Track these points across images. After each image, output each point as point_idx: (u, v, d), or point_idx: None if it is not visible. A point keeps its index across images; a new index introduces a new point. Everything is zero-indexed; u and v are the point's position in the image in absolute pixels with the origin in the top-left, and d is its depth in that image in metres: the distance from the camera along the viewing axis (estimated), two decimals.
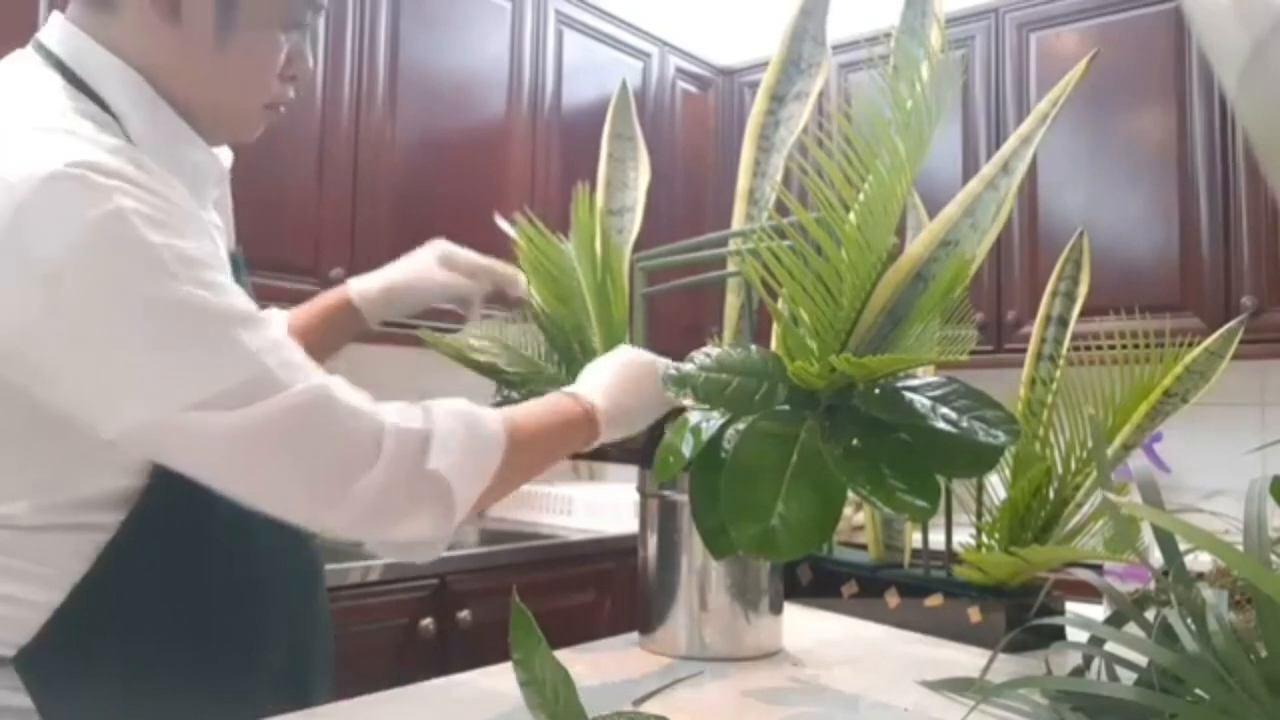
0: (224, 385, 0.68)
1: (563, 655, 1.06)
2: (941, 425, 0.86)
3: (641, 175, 1.29)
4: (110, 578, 0.77)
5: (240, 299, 0.73)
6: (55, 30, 0.80)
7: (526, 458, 0.87)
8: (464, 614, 2.01)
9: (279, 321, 0.78)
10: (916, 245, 0.94)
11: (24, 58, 0.80)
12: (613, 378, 0.95)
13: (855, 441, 0.87)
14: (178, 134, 0.81)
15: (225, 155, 0.93)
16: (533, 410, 0.90)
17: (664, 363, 0.97)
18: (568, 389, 0.94)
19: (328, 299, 1.13)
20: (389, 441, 0.75)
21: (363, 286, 1.12)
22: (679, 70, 3.18)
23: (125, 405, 0.68)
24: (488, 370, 1.21)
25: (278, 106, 0.88)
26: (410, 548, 0.80)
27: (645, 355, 0.99)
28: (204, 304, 0.69)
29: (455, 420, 0.81)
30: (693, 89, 3.23)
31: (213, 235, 0.79)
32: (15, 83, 0.77)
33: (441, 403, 0.82)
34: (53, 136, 0.70)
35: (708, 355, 0.94)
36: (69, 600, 0.76)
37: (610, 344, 1.17)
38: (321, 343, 1.10)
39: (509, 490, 0.87)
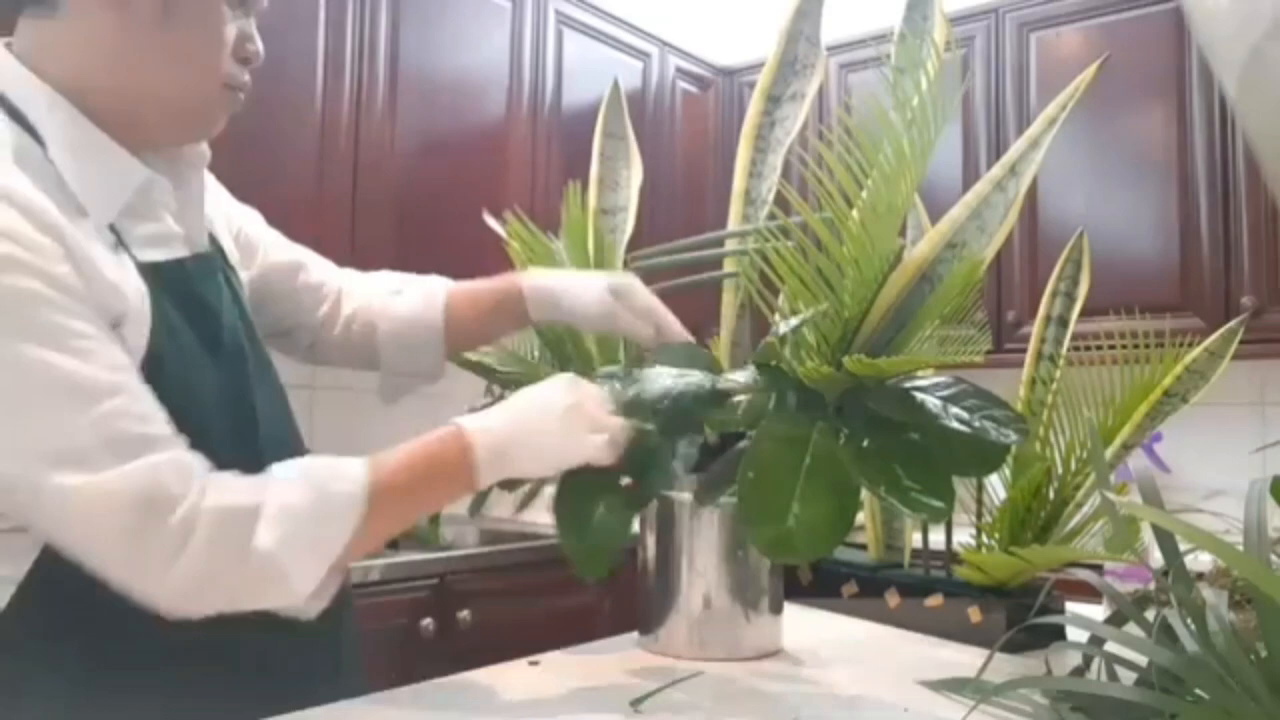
0: (53, 450, 0.71)
1: (563, 655, 1.06)
2: (954, 425, 0.86)
3: (634, 175, 1.29)
4: (51, 579, 0.77)
5: (87, 367, 0.73)
6: None
7: (393, 513, 0.84)
8: (464, 614, 2.01)
9: (126, 395, 0.75)
10: (923, 246, 0.94)
11: None
12: (511, 413, 0.89)
13: (866, 442, 0.88)
14: (101, 149, 0.82)
15: (204, 153, 0.94)
16: (406, 455, 0.85)
17: (591, 397, 0.90)
18: (462, 419, 0.88)
19: (500, 284, 1.10)
20: (205, 525, 0.74)
21: (535, 282, 1.08)
22: (679, 70, 3.18)
23: None
24: (481, 370, 1.21)
25: (237, 91, 0.88)
26: (276, 611, 0.80)
27: (558, 392, 0.90)
28: (42, 369, 0.71)
29: (297, 489, 0.79)
30: (692, 89, 3.23)
31: (85, 277, 0.75)
32: None
33: (290, 467, 0.81)
34: None
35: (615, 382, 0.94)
36: (12, 601, 0.77)
37: (604, 344, 1.18)
38: (489, 324, 1.12)
39: (387, 537, 0.84)
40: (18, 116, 0.79)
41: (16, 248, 0.71)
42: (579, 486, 0.92)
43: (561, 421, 0.87)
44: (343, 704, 0.88)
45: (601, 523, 0.91)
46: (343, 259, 1.21)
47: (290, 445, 0.97)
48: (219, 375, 0.88)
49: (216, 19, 0.85)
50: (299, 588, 0.77)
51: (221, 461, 0.83)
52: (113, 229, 0.81)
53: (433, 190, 2.43)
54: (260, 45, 0.89)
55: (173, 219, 0.89)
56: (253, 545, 0.75)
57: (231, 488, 0.77)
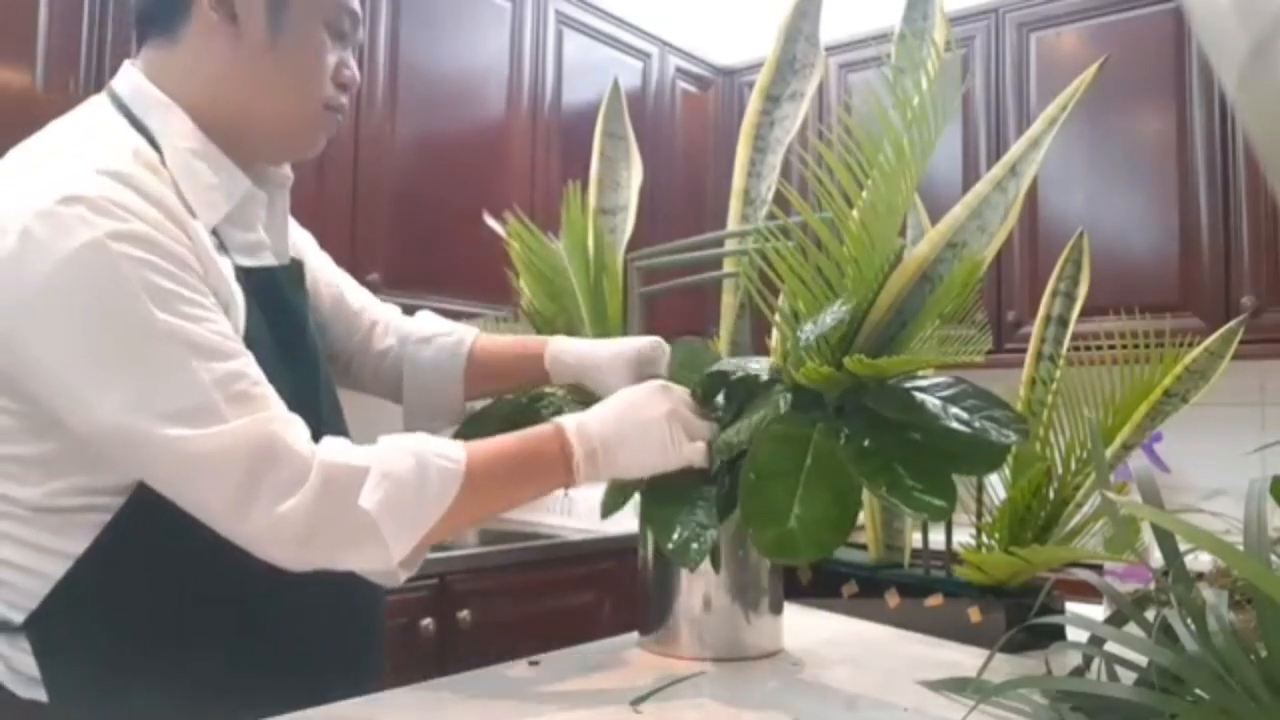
0: (174, 406, 0.75)
1: (563, 655, 1.06)
2: (955, 425, 0.86)
3: (634, 174, 1.29)
4: (108, 554, 0.82)
5: (206, 331, 0.78)
6: (121, 76, 0.90)
7: (488, 497, 0.87)
8: (464, 614, 2.01)
9: (245, 358, 0.80)
10: (923, 246, 0.94)
11: (97, 103, 0.89)
12: (611, 416, 0.91)
13: (867, 442, 0.88)
14: (211, 160, 0.88)
15: (289, 176, 1.00)
16: (505, 446, 0.89)
17: (685, 403, 0.93)
18: (562, 419, 0.91)
19: (524, 345, 1.14)
20: (318, 474, 0.78)
21: (557, 351, 1.10)
22: (679, 70, 3.18)
23: (89, 408, 0.76)
24: None
25: (335, 111, 0.95)
26: (367, 574, 0.85)
27: (655, 397, 0.93)
28: (168, 330, 0.76)
29: (402, 458, 0.82)
30: (692, 89, 3.23)
31: (203, 264, 0.82)
32: (76, 120, 0.87)
33: (398, 439, 0.84)
34: (67, 167, 0.79)
35: None
36: (71, 571, 0.81)
37: None
38: (510, 381, 1.15)
39: (475, 523, 0.87)
40: (139, 126, 0.86)
41: (141, 224, 0.77)
42: (665, 489, 0.94)
43: (660, 428, 0.91)
44: (343, 704, 0.88)
45: (694, 520, 0.92)
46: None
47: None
48: (293, 380, 0.91)
49: (319, 45, 0.91)
50: (393, 552, 0.81)
51: None
52: (215, 234, 0.87)
53: (433, 190, 2.43)
54: (356, 72, 0.96)
55: (265, 230, 0.95)
56: (358, 502, 0.79)
57: (340, 447, 0.82)
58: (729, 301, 1.18)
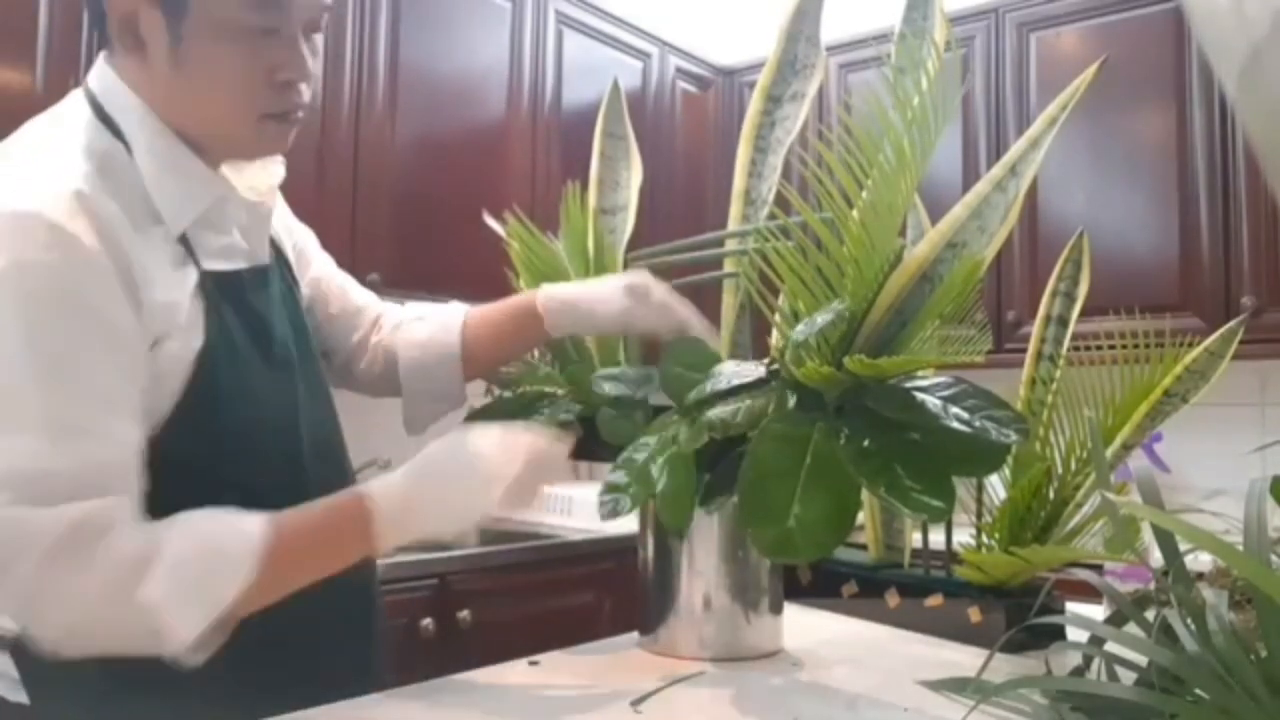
0: (13, 469, 0.75)
1: (563, 655, 1.06)
2: (955, 425, 0.86)
3: (634, 174, 1.29)
4: None
5: (71, 404, 0.77)
6: (95, 74, 0.90)
7: (289, 572, 0.83)
8: (464, 614, 2.01)
9: (104, 435, 0.78)
10: (923, 246, 0.94)
11: (75, 100, 0.89)
12: (413, 476, 0.88)
13: (867, 442, 0.88)
14: (183, 162, 0.87)
15: (276, 173, 0.99)
16: (310, 516, 0.85)
17: (494, 447, 0.88)
18: (363, 487, 0.87)
19: (516, 302, 1.12)
20: (98, 572, 0.76)
21: (548, 295, 1.09)
22: (679, 70, 3.18)
23: None
24: None
25: (278, 119, 0.89)
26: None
27: (458, 449, 0.88)
28: (24, 394, 0.75)
29: (192, 541, 0.79)
30: (693, 89, 3.23)
31: (139, 292, 0.81)
32: (55, 118, 0.87)
33: (196, 517, 0.81)
34: (28, 176, 0.79)
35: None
36: None
37: (603, 344, 1.18)
38: (508, 344, 1.14)
39: (281, 595, 0.83)
40: (111, 124, 0.86)
41: (65, 259, 0.76)
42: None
43: (461, 479, 0.87)
44: (343, 704, 0.88)
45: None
46: (343, 259, 1.22)
47: (333, 451, 1.02)
48: (269, 376, 0.92)
49: (228, 60, 0.85)
50: (179, 638, 0.78)
51: (268, 456, 0.90)
52: (185, 239, 0.87)
53: (433, 190, 2.42)
54: (308, 64, 0.89)
55: (240, 233, 0.94)
56: (138, 596, 0.76)
57: (133, 538, 0.78)
58: (729, 301, 1.18)
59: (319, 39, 0.92)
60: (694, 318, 1.09)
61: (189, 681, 0.80)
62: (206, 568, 0.79)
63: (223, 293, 0.89)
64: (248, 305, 0.92)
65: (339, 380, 1.17)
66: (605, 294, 1.07)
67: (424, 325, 1.15)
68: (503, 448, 0.88)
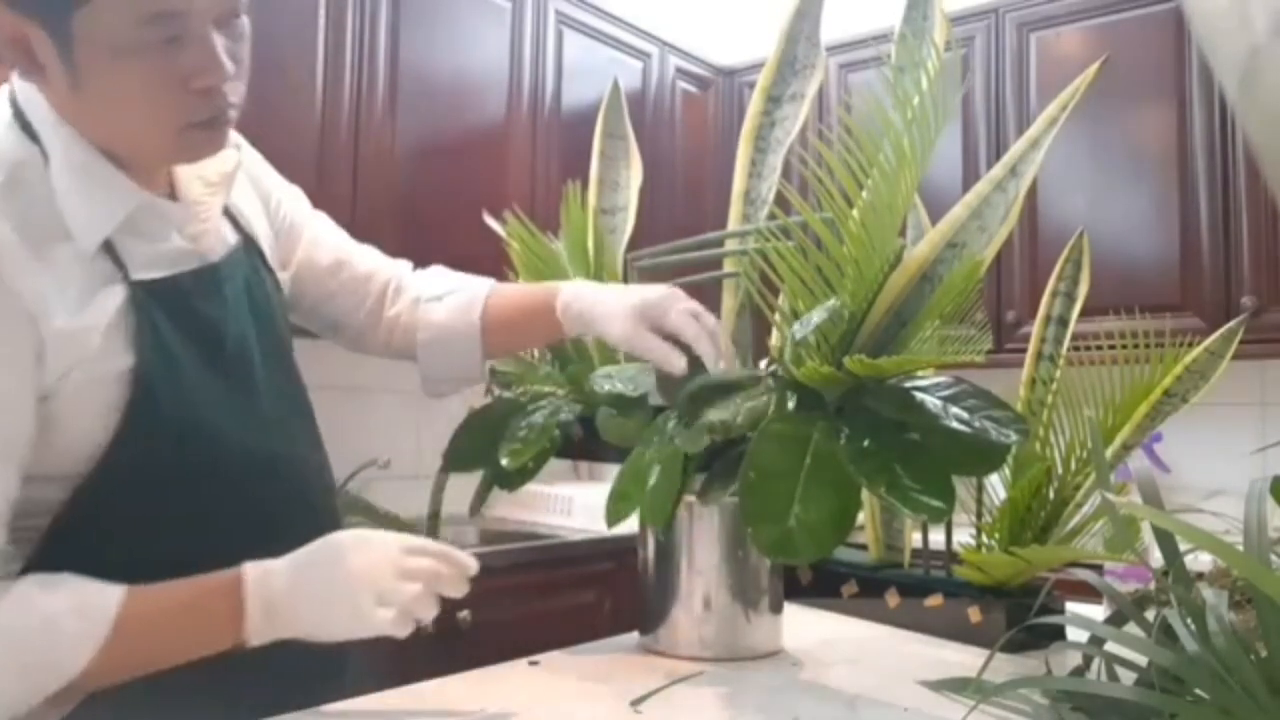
0: None
1: (563, 655, 1.06)
2: (955, 425, 0.86)
3: (634, 175, 1.29)
4: (51, 565, 0.79)
5: None
6: (17, 79, 0.84)
7: (145, 651, 0.79)
8: (464, 614, 2.01)
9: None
10: (923, 246, 0.94)
11: (1, 94, 0.84)
12: (296, 571, 0.81)
13: (867, 442, 0.88)
14: (98, 172, 0.82)
15: (228, 159, 0.93)
16: (171, 596, 0.79)
17: (386, 561, 0.82)
18: (248, 566, 0.81)
19: (536, 295, 1.09)
20: None
21: (567, 299, 1.05)
22: (679, 70, 3.18)
23: None
24: None
25: (203, 128, 0.83)
26: None
27: (345, 554, 0.82)
28: None
29: (26, 615, 0.74)
30: (692, 89, 3.23)
31: (38, 316, 0.76)
32: None
33: (46, 584, 0.76)
34: None
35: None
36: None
37: (601, 344, 1.18)
38: (525, 336, 1.12)
39: (139, 673, 0.79)
40: (30, 131, 0.81)
41: None
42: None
43: (346, 590, 0.80)
44: (343, 704, 0.88)
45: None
46: None
47: (301, 456, 0.97)
48: (223, 386, 0.88)
49: (135, 78, 0.78)
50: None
51: (228, 469, 0.86)
52: (111, 249, 0.82)
53: (433, 190, 2.42)
54: (224, 67, 0.80)
55: (181, 235, 0.89)
56: None
57: None
58: (729, 302, 1.18)
59: (242, 23, 0.83)
60: (713, 347, 0.99)
61: (147, 686, 0.78)
62: (34, 645, 0.74)
63: (158, 302, 0.84)
64: (193, 310, 0.87)
65: (353, 348, 1.15)
66: (616, 314, 1.00)
67: (444, 309, 1.11)
68: (388, 560, 0.83)
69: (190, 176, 0.92)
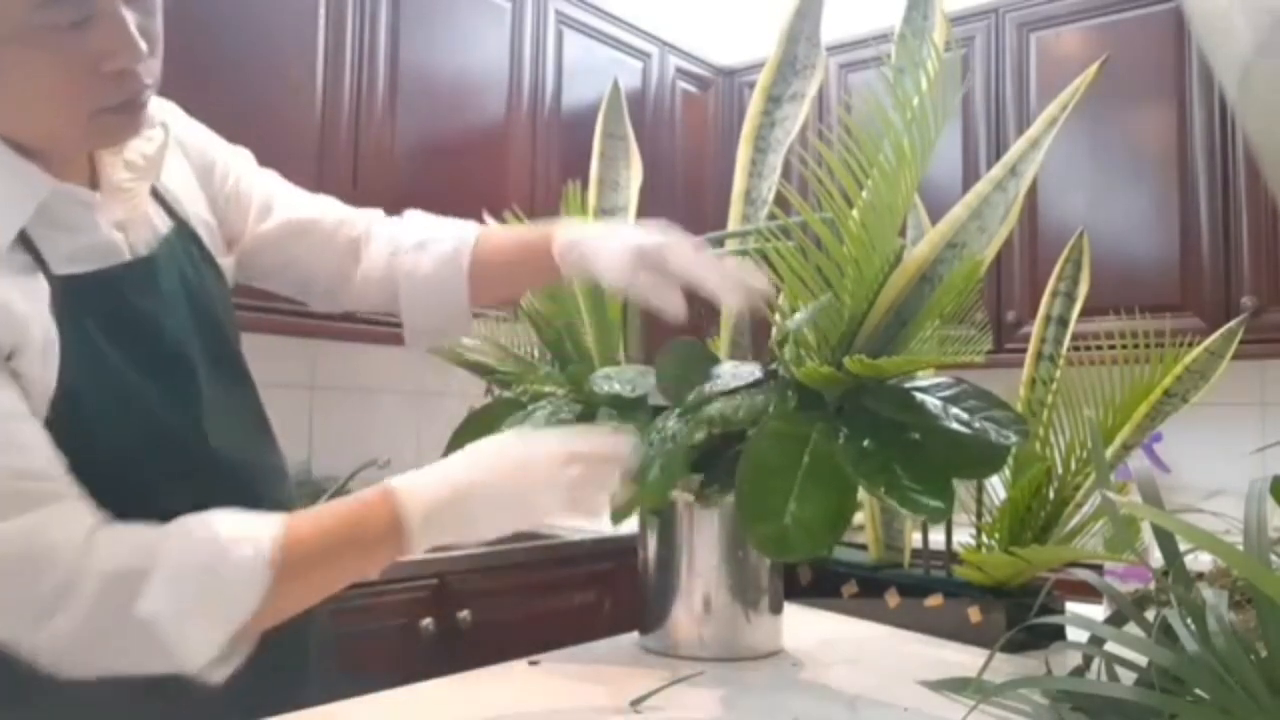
0: None
1: (563, 655, 1.06)
2: (955, 426, 0.86)
3: (634, 175, 1.29)
4: None
5: None
6: None
7: (312, 575, 0.78)
8: (464, 614, 2.01)
9: (14, 442, 0.71)
10: (923, 246, 0.94)
11: None
12: (450, 473, 0.80)
13: (866, 442, 0.88)
14: (2, 166, 0.78)
15: (153, 139, 0.88)
16: (330, 516, 0.79)
17: (543, 451, 0.81)
18: (392, 480, 0.79)
19: (530, 239, 1.03)
20: (87, 587, 0.70)
21: (565, 238, 0.98)
22: (679, 70, 3.18)
23: None
24: (480, 370, 1.21)
25: (125, 106, 0.78)
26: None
27: (505, 448, 0.81)
28: None
29: (195, 555, 0.73)
30: (692, 89, 3.23)
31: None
32: None
33: (195, 524, 0.74)
34: None
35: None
36: None
37: (603, 344, 1.18)
38: (518, 280, 1.08)
39: (310, 603, 0.78)
40: None
41: None
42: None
43: (509, 481, 0.80)
44: (342, 704, 0.88)
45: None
46: None
47: (251, 454, 0.93)
48: (157, 389, 0.83)
49: (38, 65, 0.73)
50: (187, 657, 0.72)
51: (169, 481, 0.81)
52: (30, 245, 0.77)
53: (433, 190, 2.42)
54: (138, 47, 0.75)
55: (107, 226, 0.83)
56: (134, 612, 0.70)
57: (120, 548, 0.72)
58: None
59: None
60: (723, 286, 0.90)
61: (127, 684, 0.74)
62: (212, 581, 0.72)
63: (83, 301, 0.78)
64: (125, 308, 0.82)
65: (324, 306, 1.09)
66: (615, 253, 0.93)
67: (428, 259, 1.03)
68: (561, 449, 0.81)
69: (113, 161, 0.86)
